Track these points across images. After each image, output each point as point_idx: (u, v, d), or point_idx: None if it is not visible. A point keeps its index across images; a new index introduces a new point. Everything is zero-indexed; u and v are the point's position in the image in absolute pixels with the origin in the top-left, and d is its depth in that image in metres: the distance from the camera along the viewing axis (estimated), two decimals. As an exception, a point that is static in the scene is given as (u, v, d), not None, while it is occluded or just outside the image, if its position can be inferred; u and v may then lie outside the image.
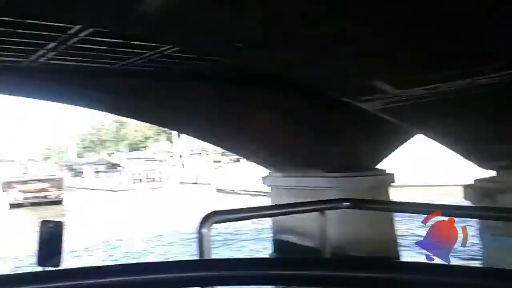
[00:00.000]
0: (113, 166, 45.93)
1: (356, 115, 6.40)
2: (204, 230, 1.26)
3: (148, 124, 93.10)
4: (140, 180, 44.79)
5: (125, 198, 34.24)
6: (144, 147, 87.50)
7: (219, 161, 59.20)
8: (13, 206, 29.86)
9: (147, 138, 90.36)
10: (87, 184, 44.97)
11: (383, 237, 8.56)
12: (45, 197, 30.69)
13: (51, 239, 1.45)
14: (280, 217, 7.95)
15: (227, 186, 32.42)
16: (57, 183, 31.95)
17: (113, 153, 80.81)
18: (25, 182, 31.19)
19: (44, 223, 1.48)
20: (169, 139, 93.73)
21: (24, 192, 30.53)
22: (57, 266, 1.41)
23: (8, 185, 31.37)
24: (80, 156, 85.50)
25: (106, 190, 43.23)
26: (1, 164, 39.15)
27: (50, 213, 28.11)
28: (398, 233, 9.36)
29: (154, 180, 45.00)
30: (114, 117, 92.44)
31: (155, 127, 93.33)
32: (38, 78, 7.23)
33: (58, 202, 30.83)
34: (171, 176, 46.69)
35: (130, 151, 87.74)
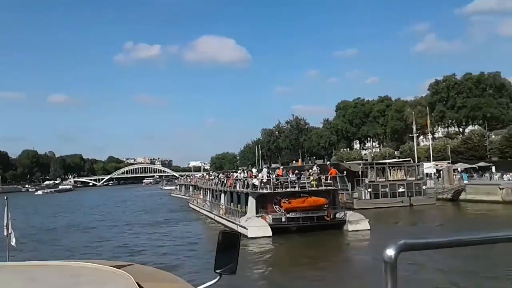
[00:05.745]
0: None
1: None
2: (392, 259, 0.89)
3: (329, 130, 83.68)
4: (381, 195, 34.84)
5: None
6: (326, 154, 77.99)
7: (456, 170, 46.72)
8: (274, 230, 21.11)
9: (331, 144, 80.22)
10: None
11: None
12: (318, 218, 21.78)
13: (228, 249, 1.70)
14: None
15: None
16: (331, 198, 22.91)
17: (292, 161, 72.83)
18: (292, 195, 22.36)
19: (221, 233, 1.77)
20: (349, 146, 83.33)
21: (290, 210, 21.87)
22: (233, 273, 1.66)
23: (267, 199, 22.66)
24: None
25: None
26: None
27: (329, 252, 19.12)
28: None
29: (399, 194, 34.66)
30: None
31: (341, 133, 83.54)
32: None
33: (336, 226, 21.76)
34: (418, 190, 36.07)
35: (307, 158, 79.44)
